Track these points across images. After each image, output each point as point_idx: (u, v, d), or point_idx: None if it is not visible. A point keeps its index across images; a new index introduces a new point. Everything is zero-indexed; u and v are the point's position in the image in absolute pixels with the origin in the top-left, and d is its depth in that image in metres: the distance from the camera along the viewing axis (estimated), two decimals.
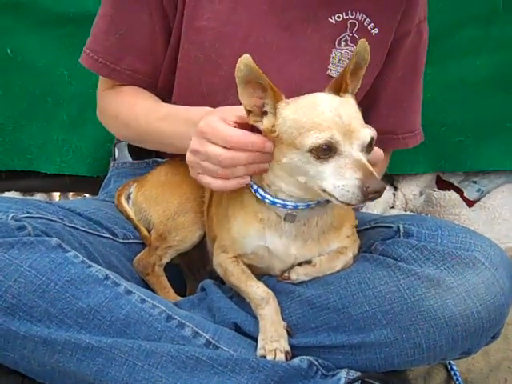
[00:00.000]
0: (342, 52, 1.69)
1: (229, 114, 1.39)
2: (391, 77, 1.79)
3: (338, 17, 1.66)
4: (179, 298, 1.63)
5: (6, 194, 2.48)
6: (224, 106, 1.51)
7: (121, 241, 1.66)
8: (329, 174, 1.27)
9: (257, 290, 1.45)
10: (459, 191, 2.66)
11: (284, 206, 1.40)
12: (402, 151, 2.52)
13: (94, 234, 1.60)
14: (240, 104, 1.37)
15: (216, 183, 1.42)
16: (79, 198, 2.59)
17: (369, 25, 1.68)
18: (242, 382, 1.36)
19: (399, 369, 1.48)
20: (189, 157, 1.45)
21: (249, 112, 1.35)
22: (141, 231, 1.68)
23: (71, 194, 2.62)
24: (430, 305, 1.38)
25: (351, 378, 1.42)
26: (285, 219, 1.42)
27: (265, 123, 1.34)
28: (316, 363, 1.43)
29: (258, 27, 1.64)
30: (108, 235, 1.64)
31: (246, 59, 1.29)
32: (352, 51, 1.67)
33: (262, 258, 1.48)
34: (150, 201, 1.67)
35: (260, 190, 1.42)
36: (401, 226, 1.51)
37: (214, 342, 1.42)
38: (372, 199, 1.25)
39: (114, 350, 1.35)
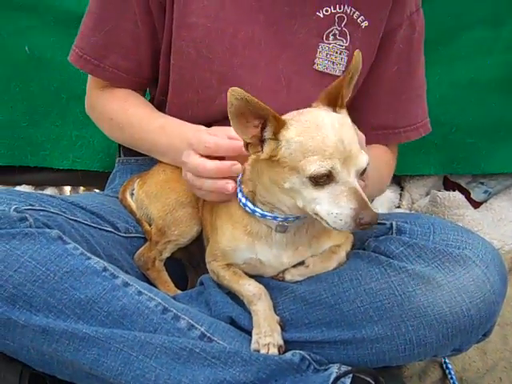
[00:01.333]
0: (330, 46, 1.69)
1: (220, 133, 1.46)
2: (386, 71, 1.78)
3: (326, 10, 1.67)
4: (179, 292, 1.66)
5: (18, 188, 2.54)
6: (217, 101, 1.63)
7: (123, 235, 1.69)
8: (324, 200, 1.27)
9: (249, 287, 1.48)
10: (466, 192, 2.66)
11: (274, 218, 1.41)
12: (412, 152, 2.54)
13: (96, 228, 1.63)
14: None
15: (208, 196, 1.51)
16: (92, 192, 2.63)
17: (358, 18, 1.69)
18: (234, 374, 1.38)
19: (391, 365, 1.50)
20: (183, 170, 1.53)
21: (247, 144, 1.33)
22: (143, 225, 1.71)
23: (82, 188, 2.66)
24: (420, 302, 1.39)
25: (343, 372, 1.43)
26: (276, 230, 1.44)
27: (266, 151, 1.31)
28: (308, 357, 1.45)
29: (246, 23, 1.66)
30: (110, 229, 1.67)
31: (237, 93, 1.24)
32: (341, 45, 1.69)
33: (255, 267, 1.50)
34: (150, 197, 1.70)
35: (249, 204, 1.42)
36: (394, 223, 1.53)
37: (208, 334, 1.45)
38: (363, 229, 1.27)
39: (109, 341, 1.38)
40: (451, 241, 1.44)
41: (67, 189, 2.66)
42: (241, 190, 1.44)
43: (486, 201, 2.68)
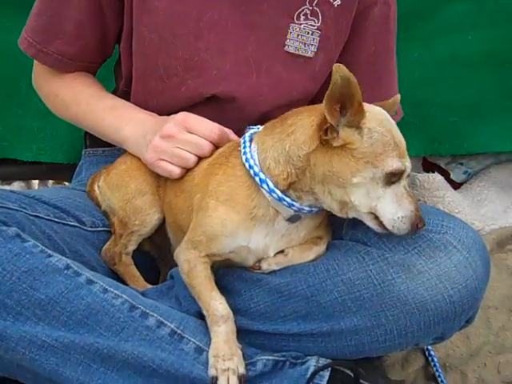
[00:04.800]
0: (301, 27, 1.63)
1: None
2: (363, 51, 1.73)
3: None
4: (149, 286, 1.60)
5: None
6: (183, 88, 1.60)
7: (89, 229, 1.62)
8: (387, 200, 1.26)
9: (219, 306, 1.37)
10: (446, 173, 2.61)
11: (290, 205, 1.33)
12: None
13: (60, 223, 1.56)
14: (196, 93, 1.58)
15: (178, 171, 1.50)
16: (58, 186, 2.56)
17: None
18: None
19: (371, 355, 1.45)
20: (159, 142, 1.50)
21: (326, 129, 1.26)
22: (109, 218, 1.65)
23: (51, 181, 2.59)
24: (400, 290, 1.34)
25: (321, 365, 1.38)
26: (288, 219, 1.36)
27: (343, 137, 1.24)
28: (282, 359, 1.40)
29: (212, 4, 1.60)
30: (75, 223, 1.60)
31: (343, 71, 1.16)
32: (313, 25, 1.63)
33: (240, 256, 1.42)
34: (111, 188, 1.65)
35: (269, 182, 1.32)
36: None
37: (178, 331, 1.39)
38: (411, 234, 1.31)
39: (69, 351, 1.33)
40: (431, 225, 1.38)
41: (35, 183, 2.59)
42: (256, 165, 1.33)
43: (465, 181, 2.64)
